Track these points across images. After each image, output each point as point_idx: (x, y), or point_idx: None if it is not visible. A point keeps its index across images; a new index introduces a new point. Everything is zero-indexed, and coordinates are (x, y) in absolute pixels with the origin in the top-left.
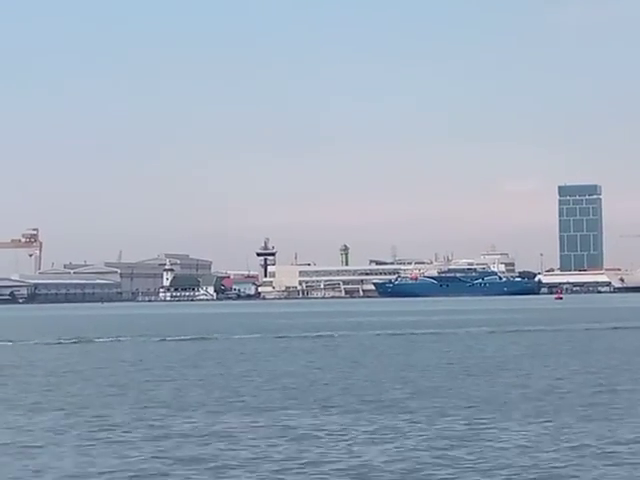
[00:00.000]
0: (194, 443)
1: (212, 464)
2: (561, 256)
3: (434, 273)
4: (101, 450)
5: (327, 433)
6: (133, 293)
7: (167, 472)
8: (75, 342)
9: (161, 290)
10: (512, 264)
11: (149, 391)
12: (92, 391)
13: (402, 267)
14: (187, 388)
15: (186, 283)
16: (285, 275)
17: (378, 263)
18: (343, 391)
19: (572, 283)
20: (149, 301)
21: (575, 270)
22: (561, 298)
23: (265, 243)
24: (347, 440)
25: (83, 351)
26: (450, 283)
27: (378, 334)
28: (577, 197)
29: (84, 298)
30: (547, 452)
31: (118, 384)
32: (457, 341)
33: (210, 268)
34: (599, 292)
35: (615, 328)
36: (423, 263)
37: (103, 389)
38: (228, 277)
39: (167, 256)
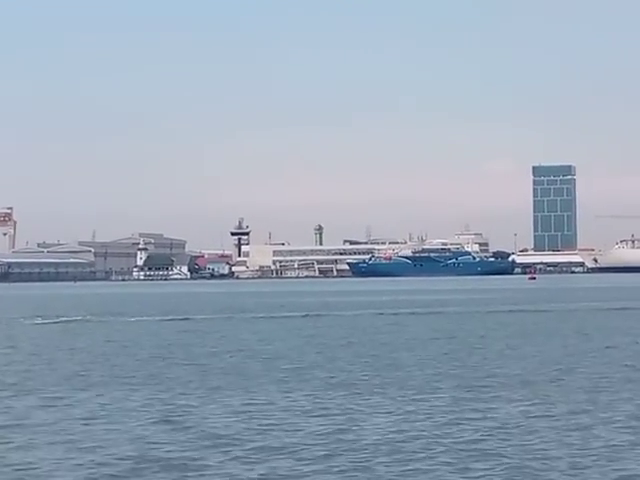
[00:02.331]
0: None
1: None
2: (535, 236)
3: (408, 253)
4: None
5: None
6: (107, 272)
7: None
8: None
9: (135, 269)
10: (486, 244)
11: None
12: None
13: (376, 247)
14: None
15: (160, 262)
16: (259, 255)
17: (352, 243)
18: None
19: (546, 263)
20: (123, 280)
21: (549, 250)
22: (534, 278)
23: (239, 223)
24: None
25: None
26: (424, 263)
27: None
28: (551, 177)
29: (58, 277)
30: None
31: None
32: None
33: (184, 247)
34: (573, 272)
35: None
36: (397, 243)
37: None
38: (202, 256)
39: (141, 235)
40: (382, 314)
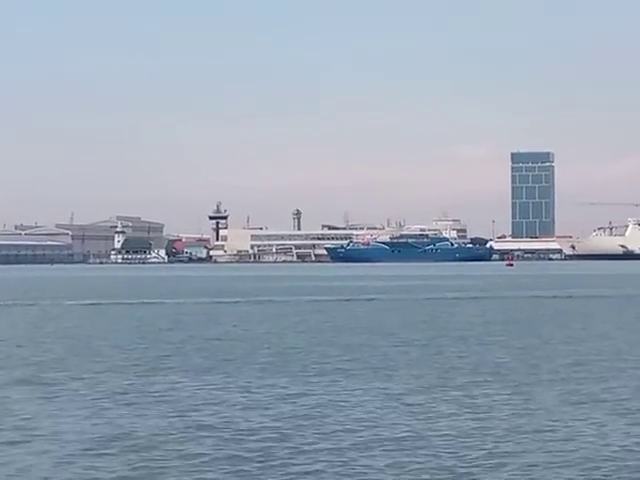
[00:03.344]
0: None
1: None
2: (513, 223)
3: (386, 239)
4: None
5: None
6: (84, 255)
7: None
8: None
9: (112, 252)
10: (464, 230)
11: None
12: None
13: (354, 232)
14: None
15: (138, 246)
16: (237, 239)
17: (330, 228)
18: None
19: (523, 250)
20: (100, 263)
21: (527, 237)
22: (512, 265)
23: (217, 207)
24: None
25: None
26: (402, 249)
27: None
28: (529, 164)
29: (35, 260)
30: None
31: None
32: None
33: (162, 231)
34: (550, 259)
35: (555, 297)
36: (375, 228)
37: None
38: (180, 240)
39: (119, 218)
40: (350, 300)
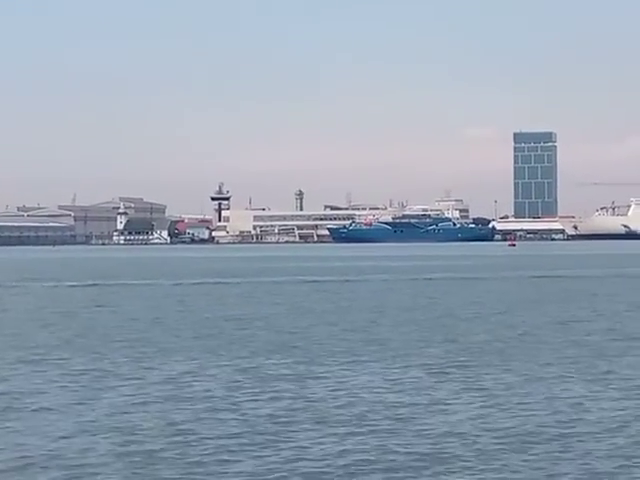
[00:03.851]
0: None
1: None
2: (515, 203)
3: (388, 219)
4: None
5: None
6: (87, 236)
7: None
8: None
9: (115, 234)
10: (466, 210)
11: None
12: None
13: (357, 212)
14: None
15: (140, 227)
16: (239, 220)
17: (333, 208)
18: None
19: (526, 230)
20: (103, 244)
21: (529, 217)
22: (514, 245)
23: (219, 187)
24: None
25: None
26: (404, 229)
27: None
28: (532, 144)
29: (38, 241)
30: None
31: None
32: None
33: (164, 212)
34: (553, 239)
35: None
36: (378, 209)
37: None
38: (182, 221)
39: (121, 199)
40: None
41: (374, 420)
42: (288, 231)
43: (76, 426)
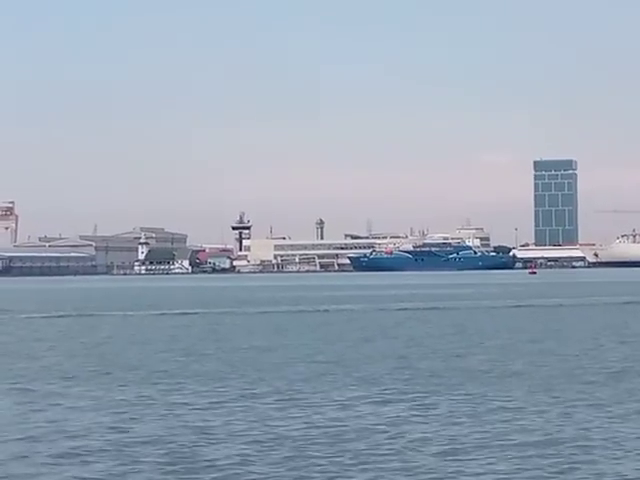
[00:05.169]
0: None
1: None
2: (536, 231)
3: (409, 247)
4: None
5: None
6: (108, 266)
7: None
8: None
9: (136, 263)
10: (487, 238)
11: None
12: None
13: (377, 241)
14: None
15: (161, 256)
16: (260, 249)
17: (353, 237)
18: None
19: (547, 258)
20: (124, 274)
21: (550, 245)
22: (535, 273)
23: (240, 217)
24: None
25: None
26: (425, 257)
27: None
28: (552, 172)
29: (59, 271)
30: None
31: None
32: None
33: (185, 242)
34: (573, 267)
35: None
36: (398, 237)
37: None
38: (203, 251)
39: (142, 229)
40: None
41: None
42: (309, 260)
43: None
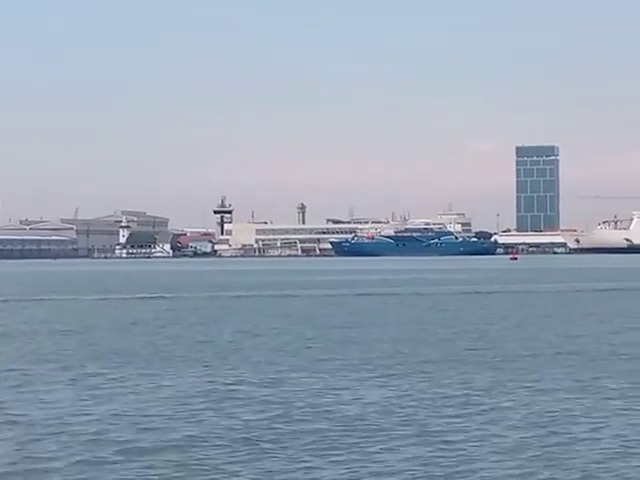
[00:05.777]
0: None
1: None
2: (518, 217)
3: (391, 233)
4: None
5: None
6: (89, 250)
7: None
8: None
9: (117, 247)
10: (468, 224)
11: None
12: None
13: (359, 226)
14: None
15: (142, 240)
16: (242, 233)
17: (335, 222)
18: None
19: (528, 244)
20: (105, 258)
21: (531, 231)
22: (516, 258)
23: (222, 201)
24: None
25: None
26: (406, 243)
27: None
28: (534, 158)
29: (40, 254)
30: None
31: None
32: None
33: (167, 225)
34: (555, 253)
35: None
36: (380, 222)
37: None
38: (185, 235)
39: (123, 213)
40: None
41: None
42: (290, 245)
43: None
